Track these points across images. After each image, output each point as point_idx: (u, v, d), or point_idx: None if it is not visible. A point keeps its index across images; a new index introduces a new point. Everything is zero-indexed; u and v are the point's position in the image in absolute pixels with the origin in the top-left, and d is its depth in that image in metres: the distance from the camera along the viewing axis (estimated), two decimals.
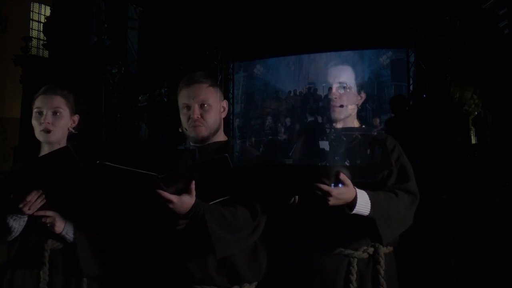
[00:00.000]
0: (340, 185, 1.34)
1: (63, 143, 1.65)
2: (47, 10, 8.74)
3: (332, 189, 1.32)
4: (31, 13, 9.38)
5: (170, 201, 1.34)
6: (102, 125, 5.78)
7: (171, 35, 7.63)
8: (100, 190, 1.46)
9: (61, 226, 1.50)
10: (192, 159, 1.60)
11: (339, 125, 1.67)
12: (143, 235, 1.59)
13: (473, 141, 5.41)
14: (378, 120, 7.08)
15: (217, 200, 1.44)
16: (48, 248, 1.52)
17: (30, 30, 9.07)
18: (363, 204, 1.40)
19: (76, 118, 1.72)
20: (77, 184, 1.47)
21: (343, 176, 1.32)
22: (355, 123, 1.72)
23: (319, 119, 7.57)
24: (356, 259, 1.51)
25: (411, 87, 7.19)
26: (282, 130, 8.31)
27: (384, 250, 1.53)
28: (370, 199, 1.42)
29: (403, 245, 1.59)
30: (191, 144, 1.66)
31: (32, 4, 9.42)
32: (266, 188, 1.46)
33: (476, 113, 5.41)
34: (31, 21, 9.32)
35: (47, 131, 1.59)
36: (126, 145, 6.24)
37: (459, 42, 5.30)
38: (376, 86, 7.75)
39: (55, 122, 1.62)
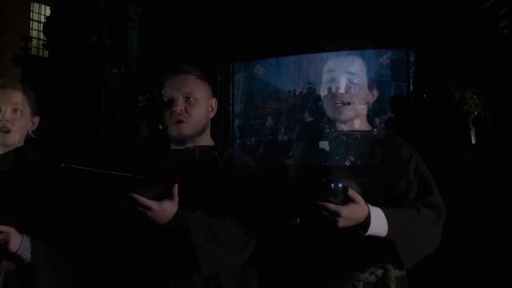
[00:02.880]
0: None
1: None
2: (47, 10, 8.73)
3: (341, 208, 1.12)
4: (31, 13, 9.38)
5: (149, 208, 1.13)
6: (102, 125, 5.78)
7: (171, 35, 7.63)
8: (63, 197, 1.26)
9: (17, 244, 1.23)
10: (193, 160, 1.40)
11: (343, 127, 1.42)
12: (115, 250, 1.33)
13: (473, 141, 5.41)
14: (378, 120, 7.08)
15: (203, 208, 1.24)
16: (2, 270, 1.26)
17: (30, 30, 9.06)
18: (379, 223, 1.19)
19: (37, 120, 1.48)
20: (34, 191, 1.25)
21: (352, 193, 1.13)
22: (364, 126, 1.46)
23: (323, 119, 7.54)
24: (362, 283, 1.29)
25: (411, 87, 7.19)
26: (282, 130, 8.31)
27: (395, 273, 1.30)
28: (386, 217, 1.20)
29: (419, 266, 1.33)
30: (174, 145, 1.42)
31: (32, 4, 9.41)
32: (261, 204, 1.26)
33: (476, 113, 5.41)
34: (31, 21, 9.31)
35: (6, 131, 1.36)
36: (126, 145, 6.25)
37: (459, 42, 5.30)
38: (376, 86, 7.75)
39: (14, 121, 1.39)
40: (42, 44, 6.71)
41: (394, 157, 1.33)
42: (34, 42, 8.07)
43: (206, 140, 1.46)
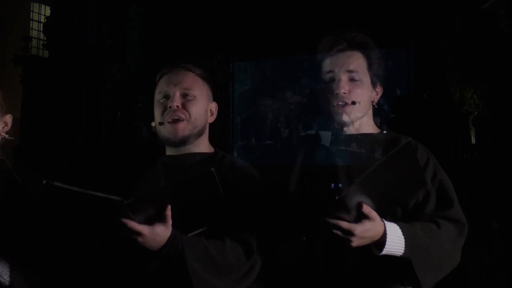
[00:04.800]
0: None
1: None
2: (47, 10, 8.73)
3: (355, 226, 1.02)
4: (31, 13, 9.38)
5: (139, 234, 1.01)
6: (102, 125, 5.78)
7: (171, 35, 7.64)
8: (46, 215, 1.11)
9: None
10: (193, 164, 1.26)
11: (348, 130, 1.29)
12: (102, 276, 1.20)
13: (473, 141, 5.42)
14: (378, 120, 7.06)
15: (199, 231, 1.11)
16: None
17: (30, 30, 9.07)
18: (395, 241, 1.09)
19: (9, 119, 1.33)
20: (14, 206, 1.14)
21: (367, 209, 1.03)
22: (372, 128, 1.35)
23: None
24: None
25: (411, 87, 7.19)
26: (283, 131, 8.30)
27: None
28: (404, 234, 1.10)
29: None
30: (168, 149, 1.29)
31: (32, 4, 9.41)
32: (265, 222, 1.15)
33: (476, 113, 5.42)
34: (31, 21, 9.32)
35: None
36: (126, 145, 6.25)
37: (459, 42, 5.31)
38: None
39: None
40: (42, 44, 6.71)
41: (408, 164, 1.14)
42: (34, 42, 8.08)
43: (204, 145, 1.34)
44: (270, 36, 7.39)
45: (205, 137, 1.35)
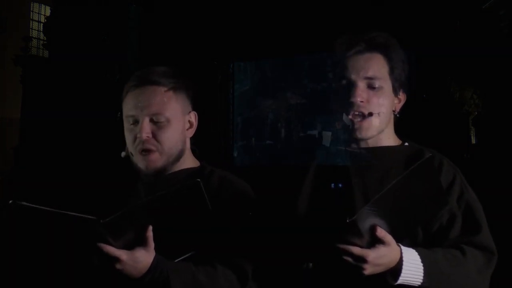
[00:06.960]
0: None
1: None
2: (47, 10, 8.74)
3: (368, 252, 0.91)
4: (31, 13, 9.39)
5: (117, 259, 0.89)
6: (102, 125, 5.79)
7: (171, 35, 7.65)
8: (14, 240, 1.00)
9: None
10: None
11: (364, 143, 1.16)
12: None
13: (473, 141, 5.42)
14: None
15: (186, 256, 0.99)
16: None
17: (30, 30, 9.08)
18: (413, 269, 0.97)
19: None
20: None
21: (381, 233, 0.92)
22: (392, 140, 1.22)
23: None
24: None
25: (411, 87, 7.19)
26: (283, 131, 8.30)
27: None
28: (422, 261, 0.98)
29: None
30: (143, 176, 1.17)
31: (32, 4, 9.42)
32: (261, 245, 1.04)
33: (476, 113, 5.42)
34: (31, 21, 9.33)
35: None
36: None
37: (459, 42, 5.31)
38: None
39: None
40: (42, 44, 6.71)
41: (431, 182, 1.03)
42: (34, 42, 8.08)
43: (188, 161, 1.22)
44: (270, 36, 7.40)
45: (186, 156, 1.22)
